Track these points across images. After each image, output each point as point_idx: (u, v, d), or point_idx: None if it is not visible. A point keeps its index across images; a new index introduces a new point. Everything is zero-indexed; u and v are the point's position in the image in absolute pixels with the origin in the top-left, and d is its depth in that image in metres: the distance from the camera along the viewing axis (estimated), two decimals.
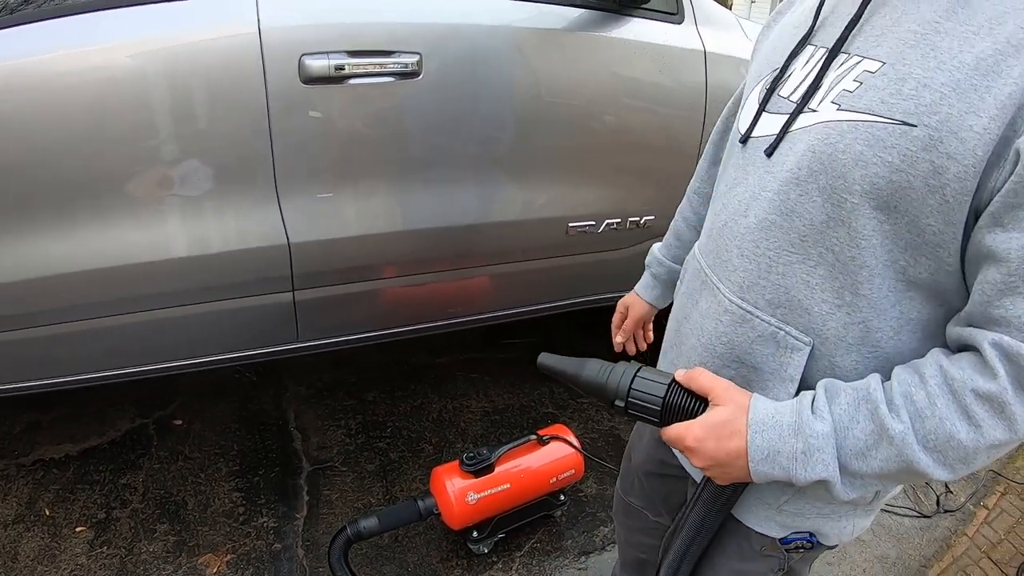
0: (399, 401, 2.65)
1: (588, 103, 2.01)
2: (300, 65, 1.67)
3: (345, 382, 2.76)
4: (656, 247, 1.38)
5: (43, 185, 1.65)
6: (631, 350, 1.48)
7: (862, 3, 0.80)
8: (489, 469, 1.91)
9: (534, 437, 2.02)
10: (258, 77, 1.66)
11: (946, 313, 0.78)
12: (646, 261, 1.39)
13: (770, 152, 0.84)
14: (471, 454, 1.91)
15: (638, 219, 2.19)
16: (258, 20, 1.67)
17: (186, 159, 1.72)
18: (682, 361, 0.99)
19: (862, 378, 0.79)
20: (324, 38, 1.69)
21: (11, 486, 2.23)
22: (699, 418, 0.84)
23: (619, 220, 2.14)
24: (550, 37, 1.93)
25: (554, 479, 2.02)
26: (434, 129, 1.85)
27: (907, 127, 0.70)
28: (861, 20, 0.80)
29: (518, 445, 1.99)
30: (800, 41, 0.89)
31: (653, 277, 1.36)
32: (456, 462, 1.93)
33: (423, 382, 2.77)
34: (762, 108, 0.89)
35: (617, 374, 0.91)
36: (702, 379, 0.86)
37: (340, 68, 1.68)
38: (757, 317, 0.85)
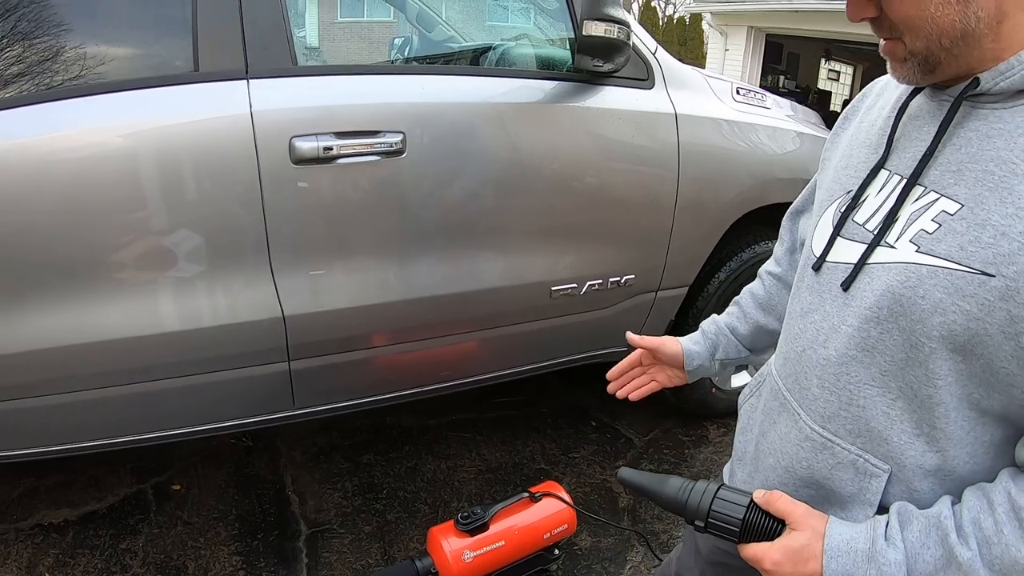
0: (394, 463, 2.69)
1: (566, 170, 2.10)
2: (291, 147, 1.76)
3: (340, 445, 2.79)
4: (714, 315, 1.31)
5: (40, 261, 1.72)
6: (622, 393, 1.35)
7: (936, 134, 0.80)
8: (484, 527, 1.95)
9: (527, 495, 2.06)
10: (251, 159, 1.75)
11: (1016, 432, 0.79)
12: (700, 326, 1.30)
13: (847, 285, 0.86)
14: (466, 513, 1.95)
15: (619, 279, 2.27)
16: (250, 104, 1.76)
17: (182, 237, 1.79)
18: (759, 477, 1.01)
19: (937, 497, 0.82)
20: (313, 120, 1.78)
21: (10, 550, 2.24)
22: (777, 541, 0.85)
23: (600, 281, 2.23)
24: (527, 110, 2.04)
25: (548, 534, 2.05)
26: (420, 203, 1.93)
27: (985, 277, 0.71)
28: (936, 152, 0.80)
29: (511, 503, 2.02)
30: (875, 166, 0.89)
31: (701, 333, 1.28)
32: (451, 522, 1.96)
33: (417, 443, 2.81)
34: (836, 233, 0.90)
35: (697, 493, 0.93)
36: (780, 503, 0.87)
37: (329, 149, 1.77)
38: (838, 445, 0.87)
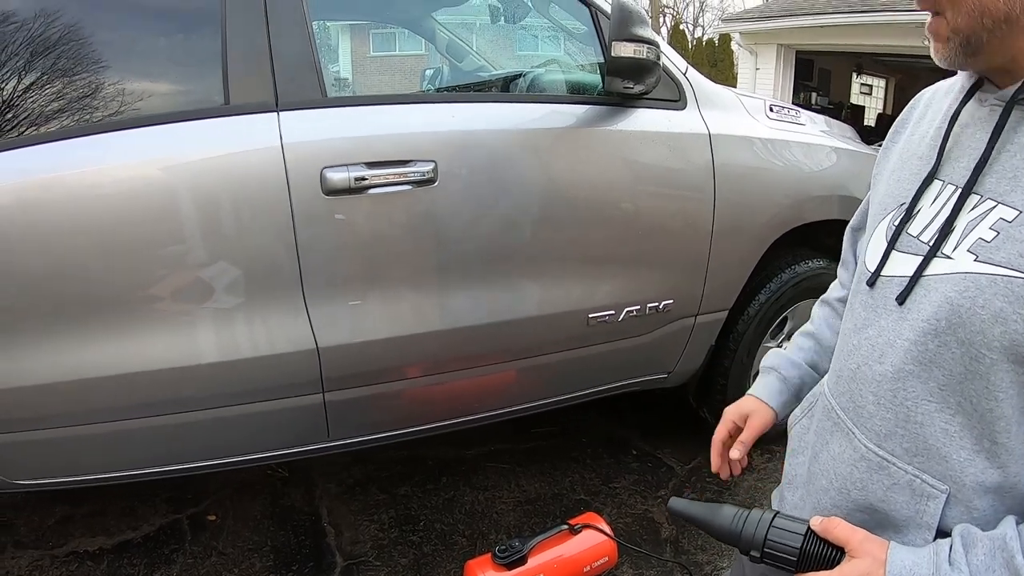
0: (431, 494, 2.65)
1: (600, 194, 2.08)
2: (322, 178, 1.75)
3: (376, 477, 2.77)
4: (782, 352, 1.22)
5: (79, 292, 1.74)
6: (725, 474, 1.23)
7: (989, 140, 0.78)
8: (522, 561, 1.90)
9: (566, 527, 2.01)
10: (282, 190, 1.75)
11: None
12: (767, 364, 1.21)
13: (902, 299, 0.83)
14: (503, 547, 1.91)
15: (657, 304, 2.23)
16: (280, 136, 1.77)
17: (216, 269, 1.80)
18: (812, 500, 0.98)
19: (997, 516, 0.79)
20: (344, 151, 1.78)
21: None
22: (836, 570, 0.82)
23: (638, 307, 2.19)
24: (559, 135, 2.02)
25: (588, 567, 1.99)
26: (453, 233, 1.92)
27: None
28: (990, 159, 0.79)
29: (550, 535, 1.98)
30: (927, 176, 0.87)
31: (782, 381, 1.19)
32: (489, 555, 1.92)
33: (454, 475, 2.77)
34: (891, 246, 0.88)
35: (752, 523, 0.90)
36: (839, 530, 0.84)
37: (360, 179, 1.77)
38: (894, 464, 0.84)
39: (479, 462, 2.85)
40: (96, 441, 1.91)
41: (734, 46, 15.71)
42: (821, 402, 1.01)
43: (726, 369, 2.60)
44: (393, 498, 2.64)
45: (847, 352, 0.93)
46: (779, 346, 2.76)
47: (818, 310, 1.24)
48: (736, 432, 1.18)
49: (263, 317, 1.84)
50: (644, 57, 1.91)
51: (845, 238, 1.20)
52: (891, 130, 1.05)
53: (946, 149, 0.86)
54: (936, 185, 0.86)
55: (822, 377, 1.17)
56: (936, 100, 0.96)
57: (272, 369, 1.87)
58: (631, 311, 2.18)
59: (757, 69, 13.51)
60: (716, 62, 18.45)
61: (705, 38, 25.36)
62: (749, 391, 1.21)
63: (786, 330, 2.74)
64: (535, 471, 2.78)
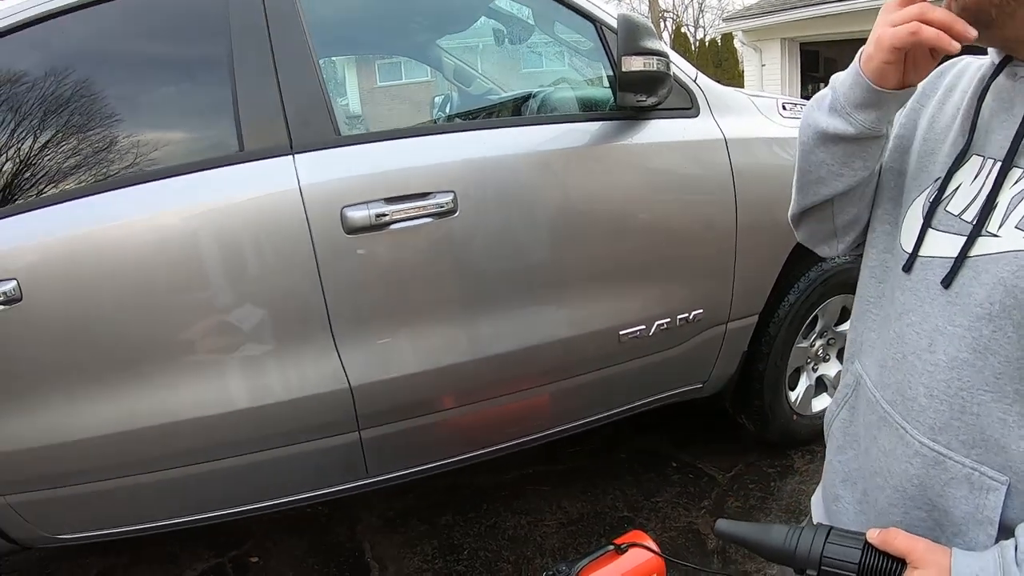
0: (472, 522, 2.63)
1: (621, 210, 2.07)
2: (343, 217, 1.76)
3: (416, 508, 2.75)
4: None
5: (110, 347, 1.77)
6: None
7: None
8: None
9: (612, 547, 1.98)
10: (303, 232, 1.76)
11: None
12: None
13: (948, 282, 0.80)
14: (550, 572, 1.88)
15: (687, 315, 2.20)
16: (297, 178, 1.78)
17: (244, 315, 1.81)
18: (868, 501, 0.95)
19: None
20: (362, 189, 1.79)
21: None
22: None
23: (668, 319, 2.16)
24: (576, 154, 2.01)
25: None
26: (477, 261, 1.92)
27: None
28: None
29: (596, 557, 1.94)
30: (960, 151, 0.84)
31: None
32: None
33: (494, 501, 2.75)
34: (927, 224, 0.84)
35: (806, 540, 0.86)
36: (898, 541, 0.81)
37: (381, 216, 1.77)
38: (950, 459, 0.81)
39: (518, 486, 2.83)
40: (136, 492, 1.92)
41: (737, 44, 15.67)
42: (863, 395, 0.96)
43: (761, 373, 2.56)
44: (435, 528, 2.62)
45: (889, 341, 0.89)
46: (811, 346, 2.73)
47: None
48: None
49: (294, 359, 1.84)
50: (654, 69, 1.90)
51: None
52: (917, 92, 0.97)
53: (979, 123, 0.83)
54: (973, 160, 0.82)
55: None
56: (966, 73, 0.92)
57: (306, 410, 1.87)
58: (661, 324, 2.16)
59: (763, 65, 13.46)
60: (720, 62, 18.41)
61: (707, 39, 25.33)
62: None
63: (818, 328, 2.70)
64: (576, 491, 2.75)
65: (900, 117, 0.98)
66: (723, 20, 15.36)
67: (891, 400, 0.88)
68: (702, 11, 33.89)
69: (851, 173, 0.92)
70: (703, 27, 32.32)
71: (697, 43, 25.47)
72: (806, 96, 12.45)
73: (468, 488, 2.84)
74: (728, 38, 19.90)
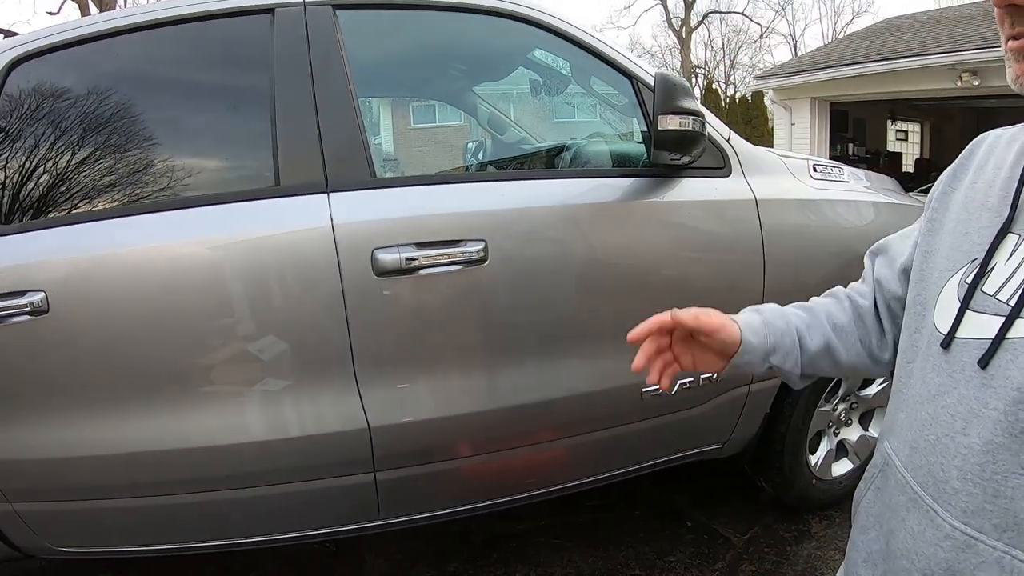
0: (481, 571, 2.59)
1: (650, 267, 2.07)
2: (373, 259, 1.77)
3: (424, 553, 2.71)
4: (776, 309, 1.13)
5: (129, 368, 1.79)
6: (653, 377, 1.09)
7: None
8: None
9: None
10: (333, 271, 1.77)
11: None
12: (756, 308, 1.12)
13: (984, 363, 0.79)
14: None
15: (710, 375, 2.19)
16: (331, 217, 1.80)
17: (268, 348, 1.82)
18: None
19: None
20: (394, 232, 1.80)
21: None
22: None
23: (692, 379, 2.14)
24: (607, 209, 2.02)
25: None
26: (505, 312, 1.93)
27: None
28: None
29: None
30: (1000, 229, 0.83)
31: (765, 324, 1.07)
32: None
33: (504, 550, 2.71)
34: (965, 306, 0.84)
35: None
36: None
37: (411, 260, 1.78)
38: (982, 543, 0.79)
39: (530, 537, 2.79)
40: (144, 514, 1.93)
41: (767, 102, 15.77)
42: (891, 476, 0.95)
43: (782, 435, 2.53)
44: (442, 575, 2.58)
45: (922, 422, 0.87)
46: (833, 409, 2.69)
47: (821, 298, 1.13)
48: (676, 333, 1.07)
49: (314, 396, 1.84)
50: (690, 129, 1.91)
51: (866, 256, 1.12)
52: (948, 174, 0.99)
53: (1020, 200, 0.82)
54: (1011, 239, 0.81)
55: (799, 354, 1.07)
56: (999, 148, 0.91)
57: (323, 448, 1.87)
58: (684, 383, 2.14)
59: (792, 124, 13.51)
60: (750, 119, 18.56)
61: (738, 95, 25.54)
62: None
63: (841, 392, 2.67)
64: (587, 545, 2.71)
65: (933, 201, 0.99)
66: (754, 78, 15.49)
67: (922, 482, 0.86)
68: (733, 68, 34.30)
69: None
70: (734, 84, 32.65)
71: (727, 99, 25.69)
72: (835, 156, 12.50)
73: (478, 535, 2.80)
74: (759, 96, 20.07)
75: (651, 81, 2.10)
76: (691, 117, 1.91)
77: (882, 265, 1.08)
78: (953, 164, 1.00)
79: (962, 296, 0.84)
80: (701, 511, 2.91)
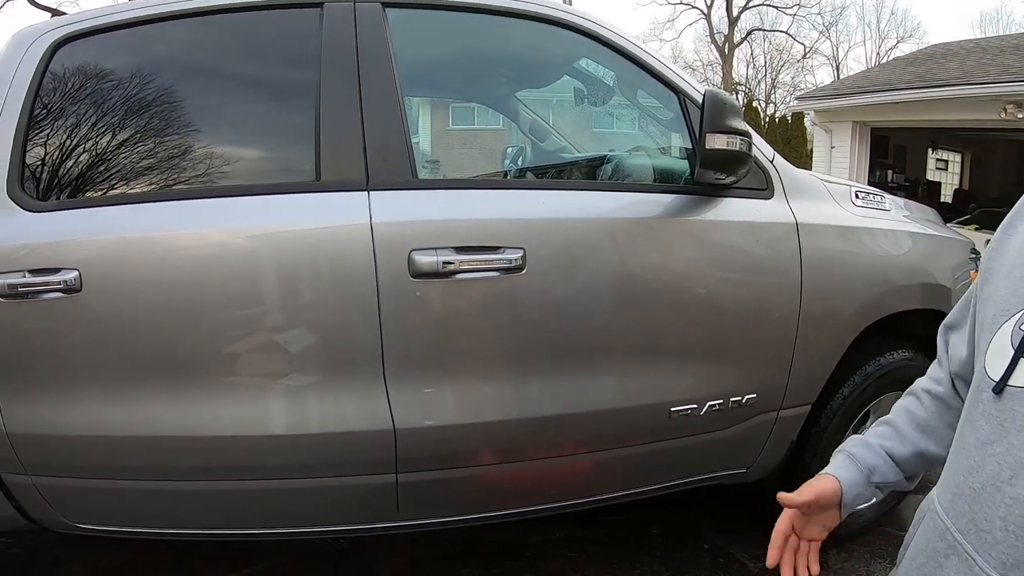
0: None
1: (687, 286, 2.05)
2: (410, 260, 1.77)
3: (438, 558, 2.70)
4: (853, 436, 1.17)
5: (157, 352, 1.80)
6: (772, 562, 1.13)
7: None
8: None
9: None
10: (369, 270, 1.77)
11: None
12: (840, 448, 1.16)
13: None
14: None
15: (740, 398, 2.15)
16: (370, 215, 1.79)
17: (298, 343, 1.83)
18: None
19: None
20: (432, 234, 1.79)
21: None
22: None
23: (722, 401, 2.11)
24: (648, 224, 2.01)
25: None
26: (538, 321, 1.91)
27: None
28: None
29: None
30: None
31: (849, 457, 1.12)
32: None
33: (518, 560, 2.69)
34: (1020, 353, 0.82)
35: None
36: None
37: (448, 264, 1.77)
38: None
39: (544, 548, 2.76)
40: (162, 498, 1.94)
41: (807, 124, 15.62)
42: (932, 521, 0.93)
43: (807, 464, 2.49)
44: None
45: (967, 469, 0.85)
46: None
47: (901, 400, 1.15)
48: (797, 522, 1.11)
49: (341, 394, 1.84)
50: (737, 149, 1.89)
51: (939, 336, 1.11)
52: (1005, 222, 0.98)
53: None
54: None
55: (895, 465, 1.10)
56: None
57: (347, 446, 1.87)
58: (714, 405, 2.11)
59: (832, 147, 13.35)
60: (789, 139, 18.40)
61: (778, 115, 25.34)
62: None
63: (869, 423, 2.62)
64: (602, 561, 2.68)
65: (989, 250, 0.98)
66: (796, 98, 15.34)
67: (963, 529, 0.84)
68: (774, 87, 34.04)
69: None
70: (774, 103, 32.42)
71: (767, 118, 25.49)
72: (873, 182, 12.34)
73: (492, 543, 2.79)
74: (799, 117, 19.87)
75: (698, 97, 2.08)
76: (739, 137, 1.89)
77: (957, 344, 1.07)
78: (1010, 213, 0.98)
79: (1017, 342, 0.82)
80: (720, 534, 2.87)
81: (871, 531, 2.79)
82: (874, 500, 1.12)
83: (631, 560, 2.68)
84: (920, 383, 1.15)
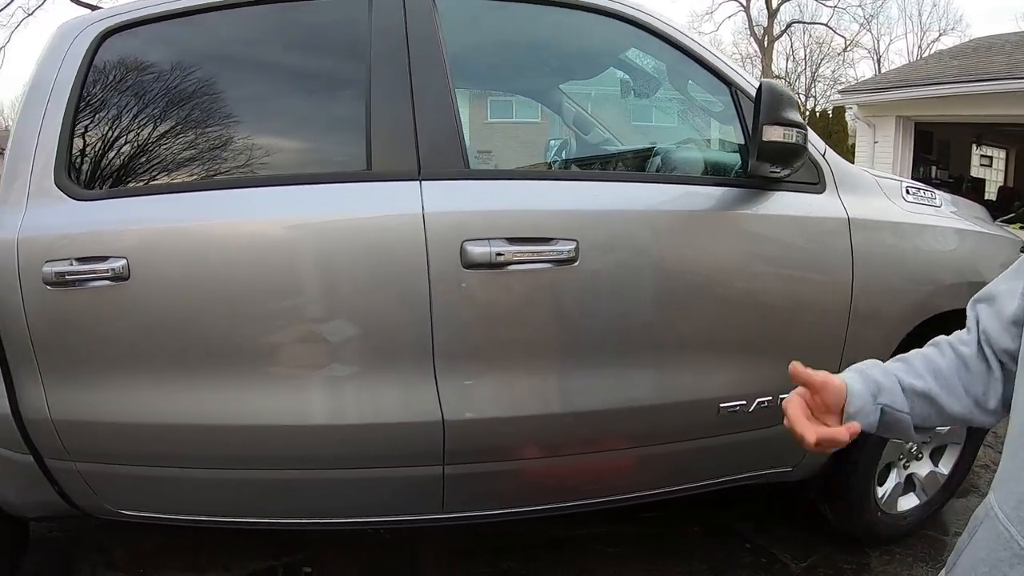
0: (534, 572, 2.57)
1: (737, 280, 2.02)
2: (462, 251, 1.76)
3: (479, 550, 2.70)
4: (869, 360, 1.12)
5: (205, 340, 1.82)
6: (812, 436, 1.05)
7: None
8: None
9: None
10: (421, 260, 1.77)
11: None
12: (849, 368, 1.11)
13: None
14: None
15: (789, 394, 2.12)
16: (422, 205, 1.79)
17: (347, 333, 1.83)
18: None
19: None
20: (485, 225, 1.78)
21: None
22: None
23: (771, 397, 2.08)
24: (701, 217, 1.98)
25: None
26: (588, 314, 1.90)
27: None
28: None
29: None
30: None
31: (858, 372, 1.09)
32: None
33: (560, 552, 2.68)
34: None
35: None
36: None
37: (500, 255, 1.76)
38: None
39: (585, 543, 2.75)
40: (206, 486, 1.96)
41: (849, 118, 15.35)
42: (993, 528, 0.91)
43: (853, 464, 2.45)
44: (495, 573, 2.56)
45: None
46: (906, 442, 2.59)
47: (921, 349, 1.10)
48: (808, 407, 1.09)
49: (390, 384, 1.84)
50: (793, 141, 1.85)
51: (969, 305, 1.07)
52: None
53: None
54: None
55: (903, 394, 1.05)
56: None
57: (395, 437, 1.87)
58: (762, 402, 2.08)
59: (876, 142, 13.11)
60: (830, 134, 18.07)
61: (818, 109, 24.94)
62: None
63: None
64: (642, 558, 2.67)
65: None
66: (838, 92, 15.07)
67: None
68: (815, 80, 33.52)
69: None
70: (814, 96, 31.93)
71: (807, 112, 25.11)
72: (917, 178, 12.12)
73: (534, 537, 2.78)
74: (840, 111, 19.52)
75: (750, 89, 2.05)
76: (795, 129, 1.85)
77: (988, 316, 1.03)
78: None
79: None
80: (761, 534, 2.84)
81: (914, 534, 2.74)
82: (875, 426, 1.05)
83: (671, 558, 2.66)
84: (944, 337, 1.10)
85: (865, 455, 2.43)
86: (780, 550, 2.74)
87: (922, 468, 2.66)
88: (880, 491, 2.58)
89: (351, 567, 2.59)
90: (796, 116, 1.87)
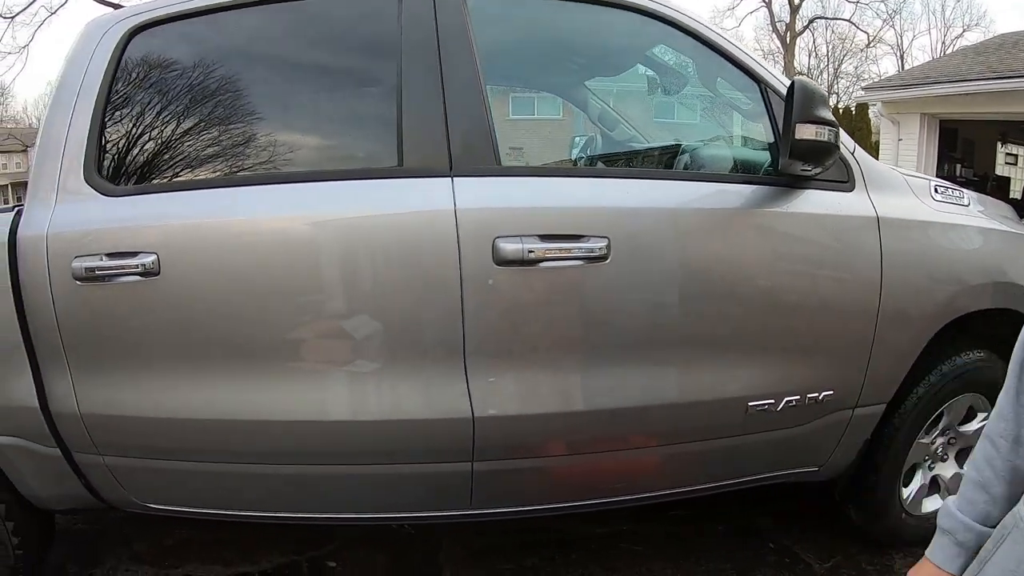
0: (560, 569, 2.57)
1: (767, 278, 2.01)
2: (494, 247, 1.76)
3: (504, 546, 2.71)
4: (954, 504, 1.11)
5: (236, 335, 1.83)
6: None
7: None
8: None
9: None
10: (453, 256, 1.77)
11: None
12: (942, 524, 1.12)
13: None
14: None
15: (817, 395, 2.11)
16: (454, 201, 1.79)
17: (377, 327, 1.84)
18: None
19: None
20: (517, 222, 1.79)
21: None
22: None
23: (799, 397, 2.07)
24: (732, 215, 1.98)
25: None
26: (618, 311, 1.90)
27: None
28: None
29: None
30: None
31: (958, 545, 1.08)
32: None
33: (583, 551, 2.68)
34: None
35: None
36: None
37: (531, 251, 1.76)
38: None
39: (610, 541, 2.75)
40: (230, 480, 1.98)
41: (872, 115, 15.18)
42: (1021, 538, 0.91)
43: (878, 465, 2.43)
44: (520, 569, 2.57)
45: None
46: (931, 443, 2.57)
47: (980, 448, 1.10)
48: None
49: (421, 380, 1.85)
50: (825, 139, 1.84)
51: (1014, 357, 1.04)
52: None
53: None
54: None
55: (992, 527, 1.05)
56: None
57: (424, 433, 1.88)
58: (790, 401, 2.07)
59: (900, 140, 12.96)
60: (854, 131, 17.87)
61: (841, 106, 24.70)
62: (927, 554, 1.13)
63: (941, 425, 2.54)
64: (666, 556, 2.66)
65: None
66: (862, 89, 14.89)
67: None
68: (837, 77, 33.21)
69: None
70: (837, 93, 31.65)
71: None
72: (941, 175, 11.97)
73: (559, 534, 2.78)
74: (863, 108, 19.30)
75: (780, 87, 2.04)
76: (827, 128, 1.84)
77: None
78: None
79: None
80: (784, 533, 2.83)
81: None
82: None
83: (695, 556, 2.66)
84: (992, 425, 1.10)
85: (890, 456, 2.41)
86: (804, 550, 2.72)
87: (947, 470, 2.64)
88: (905, 492, 2.56)
89: (376, 562, 2.60)
90: (828, 114, 1.86)
